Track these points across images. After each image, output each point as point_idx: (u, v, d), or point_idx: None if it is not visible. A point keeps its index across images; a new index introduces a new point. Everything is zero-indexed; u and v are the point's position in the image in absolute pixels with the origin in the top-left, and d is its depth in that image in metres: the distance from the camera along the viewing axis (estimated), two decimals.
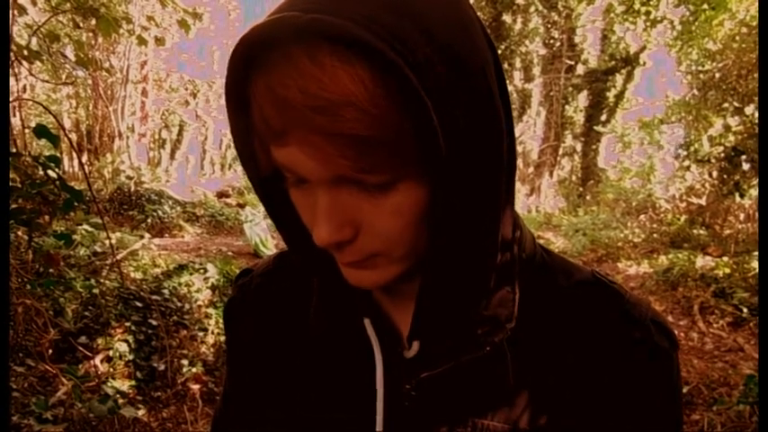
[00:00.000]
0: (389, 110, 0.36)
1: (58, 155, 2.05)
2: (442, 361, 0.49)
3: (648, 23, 10.13)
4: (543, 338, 0.50)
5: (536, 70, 17.32)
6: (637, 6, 9.60)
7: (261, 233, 7.86)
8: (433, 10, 0.37)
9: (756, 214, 8.79)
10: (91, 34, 9.71)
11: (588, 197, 15.76)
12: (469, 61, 0.38)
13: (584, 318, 0.50)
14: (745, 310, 5.00)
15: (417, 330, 0.49)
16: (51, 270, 2.93)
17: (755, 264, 5.88)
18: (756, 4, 8.15)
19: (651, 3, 9.46)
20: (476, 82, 0.39)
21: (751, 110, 7.60)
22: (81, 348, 3.30)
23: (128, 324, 3.70)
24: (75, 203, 2.00)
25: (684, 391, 3.58)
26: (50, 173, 1.88)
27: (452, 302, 0.47)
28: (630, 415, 0.49)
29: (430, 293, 0.46)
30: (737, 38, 8.45)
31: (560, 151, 18.33)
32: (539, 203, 16.99)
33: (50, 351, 3.18)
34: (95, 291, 3.67)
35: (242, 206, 11.64)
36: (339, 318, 0.53)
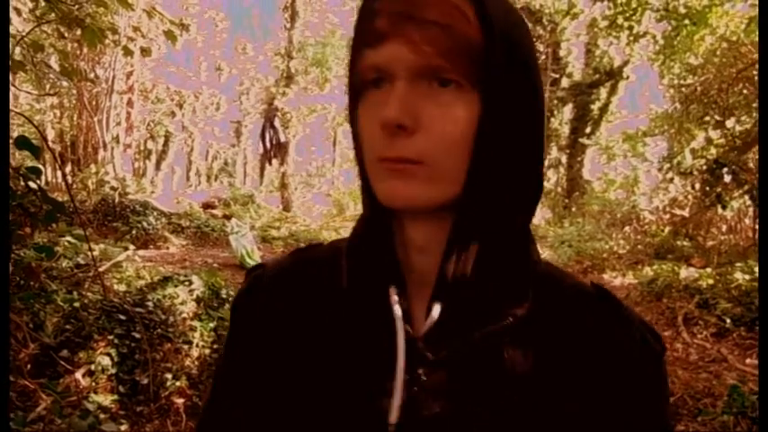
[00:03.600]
0: (475, 26, 0.47)
1: (40, 166, 2.02)
2: (460, 331, 0.51)
3: (631, 38, 10.30)
4: (548, 337, 0.53)
5: None
6: (620, 21, 9.76)
7: (247, 245, 7.81)
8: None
9: (738, 226, 8.92)
10: (76, 44, 9.65)
11: (574, 209, 15.87)
12: (527, 42, 0.52)
13: (585, 320, 0.54)
14: (728, 320, 5.05)
15: (440, 290, 0.51)
16: (32, 283, 2.88)
17: (738, 275, 5.95)
18: (736, 20, 8.33)
19: (634, 18, 9.63)
20: (532, 58, 0.52)
21: (732, 123, 7.74)
22: (62, 362, 3.24)
23: (110, 337, 3.64)
24: (57, 215, 1.97)
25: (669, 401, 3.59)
26: (31, 184, 1.85)
27: (478, 259, 0.51)
28: (628, 408, 0.52)
29: (459, 239, 0.51)
30: (718, 52, 8.62)
31: (546, 163, 18.46)
32: None
33: (29, 366, 3.12)
34: (76, 304, 3.61)
35: (228, 217, 11.58)
36: (366, 283, 0.55)
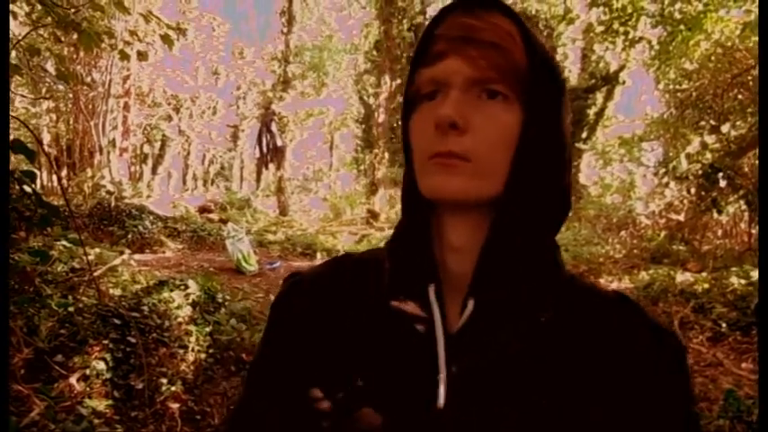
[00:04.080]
0: (521, 50, 0.55)
1: (36, 170, 2.01)
2: (492, 330, 0.55)
3: (627, 43, 10.33)
4: (575, 338, 0.56)
5: None
6: (616, 26, 9.80)
7: (243, 249, 7.79)
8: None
9: (733, 230, 8.95)
10: (72, 48, 9.64)
11: (570, 213, 15.89)
12: (557, 67, 0.59)
13: (610, 323, 0.58)
14: (723, 325, 5.05)
15: (475, 288, 0.55)
16: (26, 287, 2.87)
17: (734, 279, 5.96)
18: (731, 25, 8.37)
19: (629, 23, 9.67)
20: (562, 81, 0.59)
21: (727, 128, 7.77)
22: (57, 367, 3.22)
23: (105, 342, 3.62)
24: (52, 219, 1.96)
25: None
26: (26, 188, 1.85)
27: (513, 257, 0.56)
28: (654, 405, 0.55)
29: (497, 238, 0.55)
30: (713, 58, 8.66)
31: None
32: None
33: (23, 371, 3.10)
34: (71, 308, 3.59)
35: (224, 222, 11.55)
36: (406, 282, 0.59)
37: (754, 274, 5.86)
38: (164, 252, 8.88)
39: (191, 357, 4.05)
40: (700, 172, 7.79)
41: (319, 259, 9.57)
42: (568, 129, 0.59)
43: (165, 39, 4.07)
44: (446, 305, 0.58)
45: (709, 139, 7.92)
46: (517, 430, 0.53)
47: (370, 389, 0.57)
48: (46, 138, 14.17)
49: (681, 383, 0.57)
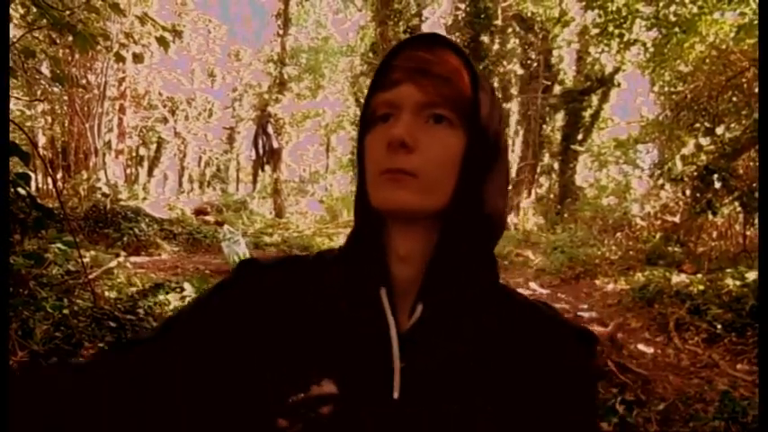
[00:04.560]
0: (467, 84, 0.61)
1: (30, 172, 2.00)
2: (438, 333, 0.60)
3: (622, 46, 10.37)
4: (510, 342, 0.62)
5: (514, 90, 17.56)
6: (611, 29, 9.83)
7: (239, 251, 7.77)
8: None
9: (728, 232, 8.98)
10: (67, 50, 9.62)
11: (566, 215, 15.93)
12: (497, 101, 0.66)
13: (537, 330, 0.64)
14: (719, 326, 5.07)
15: (424, 294, 0.61)
16: (21, 290, 2.85)
17: (729, 281, 5.98)
18: (726, 28, 8.41)
19: (624, 26, 9.70)
20: (501, 110, 0.67)
21: (721, 130, 7.80)
22: None
23: (101, 345, 3.61)
24: (47, 221, 1.95)
25: (661, 407, 3.60)
26: (20, 190, 1.84)
27: (459, 266, 0.61)
28: (566, 387, 0.62)
29: (444, 247, 0.61)
30: (707, 60, 8.70)
31: (538, 170, 18.54)
32: (517, 221, 17.12)
33: (17, 373, 3.08)
34: (66, 311, 3.58)
35: (220, 224, 11.53)
36: (359, 286, 0.64)
37: (749, 276, 5.89)
38: (159, 254, 8.86)
39: None
40: (695, 174, 7.82)
41: None
42: (507, 151, 0.66)
43: (161, 41, 4.06)
44: (396, 309, 0.62)
45: (704, 141, 7.95)
46: (461, 428, 0.58)
47: (322, 383, 0.59)
48: (41, 140, 14.14)
49: (587, 379, 0.65)
